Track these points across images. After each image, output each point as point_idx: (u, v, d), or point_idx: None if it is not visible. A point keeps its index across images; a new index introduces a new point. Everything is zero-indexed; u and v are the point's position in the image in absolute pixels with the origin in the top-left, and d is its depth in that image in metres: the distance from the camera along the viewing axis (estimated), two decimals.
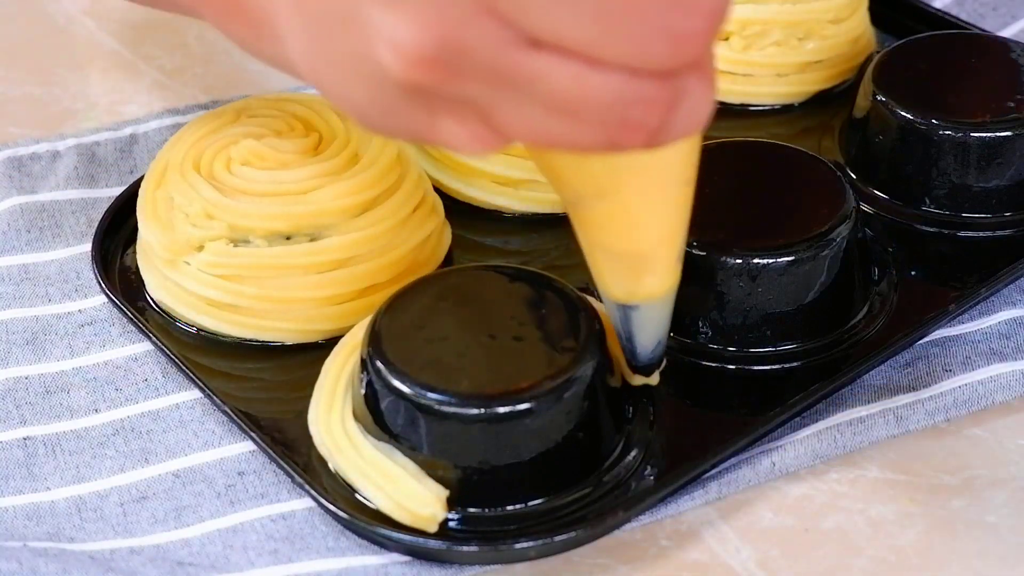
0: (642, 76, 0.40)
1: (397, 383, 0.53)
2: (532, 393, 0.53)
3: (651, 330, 0.55)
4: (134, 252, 0.65)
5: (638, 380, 0.57)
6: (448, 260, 0.65)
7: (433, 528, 0.53)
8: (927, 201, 0.67)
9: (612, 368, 0.56)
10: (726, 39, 0.74)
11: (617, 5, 0.39)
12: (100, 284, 0.64)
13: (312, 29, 0.44)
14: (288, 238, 0.60)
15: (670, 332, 0.56)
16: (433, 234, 0.64)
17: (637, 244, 0.51)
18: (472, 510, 0.54)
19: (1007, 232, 0.66)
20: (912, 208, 0.67)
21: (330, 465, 0.55)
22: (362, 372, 0.55)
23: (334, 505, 0.53)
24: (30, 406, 0.60)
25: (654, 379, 0.57)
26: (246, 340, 0.61)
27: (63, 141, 0.72)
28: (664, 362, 0.57)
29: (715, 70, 0.43)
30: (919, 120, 0.66)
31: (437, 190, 0.67)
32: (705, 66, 0.42)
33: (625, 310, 0.54)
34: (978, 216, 0.66)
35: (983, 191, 0.66)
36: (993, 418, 0.59)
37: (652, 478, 0.55)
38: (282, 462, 0.55)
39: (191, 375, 0.59)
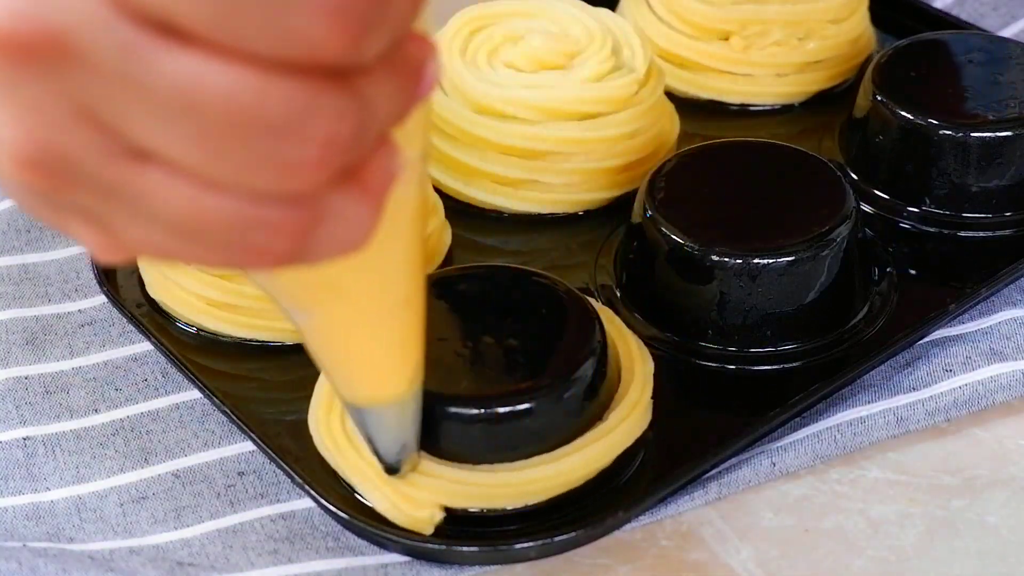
0: (264, 199, 0.36)
1: None
2: (532, 393, 0.53)
3: (389, 434, 0.51)
4: None
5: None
6: (448, 260, 0.65)
7: (429, 530, 0.53)
8: (927, 201, 0.67)
9: (609, 369, 0.56)
10: (726, 39, 0.74)
11: (221, 125, 0.34)
12: (100, 284, 0.64)
13: None
14: None
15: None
16: (433, 234, 0.64)
17: (347, 360, 0.48)
18: (472, 510, 0.54)
19: (1007, 232, 0.66)
20: (912, 208, 0.67)
21: (330, 465, 0.55)
22: None
23: (334, 505, 0.53)
24: (30, 406, 0.60)
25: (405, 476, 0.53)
26: (246, 340, 0.61)
27: None
28: (415, 464, 0.53)
29: (384, 185, 0.38)
30: (919, 120, 0.66)
31: (437, 190, 0.67)
32: (367, 181, 0.37)
33: (356, 412, 0.50)
34: (978, 216, 0.66)
35: (983, 191, 0.66)
36: (993, 418, 0.59)
37: (652, 478, 0.55)
38: (282, 462, 0.55)
39: (191, 375, 0.59)
